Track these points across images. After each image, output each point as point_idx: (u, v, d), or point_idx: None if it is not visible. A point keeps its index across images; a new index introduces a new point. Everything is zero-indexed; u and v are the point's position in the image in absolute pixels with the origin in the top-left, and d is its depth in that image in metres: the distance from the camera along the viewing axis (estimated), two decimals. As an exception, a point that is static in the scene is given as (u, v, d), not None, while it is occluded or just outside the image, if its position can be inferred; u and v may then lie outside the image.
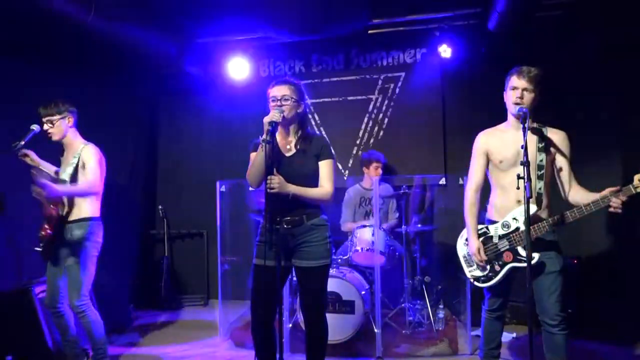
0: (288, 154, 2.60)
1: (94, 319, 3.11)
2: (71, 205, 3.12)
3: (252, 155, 2.59)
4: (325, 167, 2.59)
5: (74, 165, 3.11)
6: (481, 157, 2.72)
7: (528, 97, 2.50)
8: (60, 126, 3.15)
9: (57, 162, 3.31)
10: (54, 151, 3.48)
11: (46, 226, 3.08)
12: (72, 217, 3.12)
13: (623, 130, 4.35)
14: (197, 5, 4.55)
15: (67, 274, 3.09)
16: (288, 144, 2.62)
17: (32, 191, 2.88)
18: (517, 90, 2.50)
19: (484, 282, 2.69)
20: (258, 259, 2.55)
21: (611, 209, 2.35)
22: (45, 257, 3.13)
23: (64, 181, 3.07)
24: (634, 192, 2.29)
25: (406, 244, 4.21)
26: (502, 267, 2.61)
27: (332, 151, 2.65)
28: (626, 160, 4.29)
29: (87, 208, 3.14)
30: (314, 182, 2.57)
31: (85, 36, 3.85)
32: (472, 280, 2.74)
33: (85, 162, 3.13)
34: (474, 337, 3.63)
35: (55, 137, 3.16)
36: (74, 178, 3.12)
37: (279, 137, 2.60)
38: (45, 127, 3.12)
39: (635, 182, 2.29)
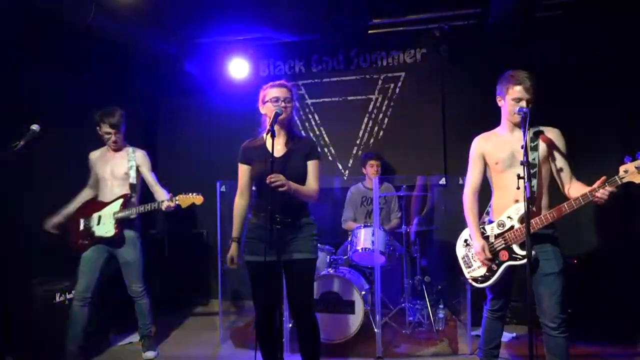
0: (278, 154, 2.64)
1: (148, 301, 3.59)
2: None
3: (240, 166, 2.72)
4: (312, 167, 2.67)
5: (134, 168, 3.46)
6: (478, 161, 2.75)
7: (530, 106, 2.52)
8: (123, 134, 3.45)
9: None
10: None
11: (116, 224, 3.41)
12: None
13: (623, 129, 4.35)
14: (197, 5, 4.55)
15: (126, 268, 3.48)
16: (278, 144, 2.67)
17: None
18: (522, 102, 2.52)
19: (481, 282, 2.70)
20: (250, 255, 2.65)
21: (595, 200, 2.34)
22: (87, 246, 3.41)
23: (134, 185, 3.48)
24: (619, 182, 2.30)
25: (406, 244, 4.21)
26: (498, 266, 2.62)
27: (319, 152, 2.75)
28: (625, 155, 4.29)
29: (136, 202, 3.54)
30: (301, 181, 2.63)
31: (86, 36, 3.85)
32: (470, 281, 2.75)
33: (141, 164, 3.51)
34: (474, 337, 3.63)
35: (118, 146, 3.45)
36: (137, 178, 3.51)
37: (269, 139, 2.63)
38: (114, 138, 3.38)
39: (621, 173, 2.30)
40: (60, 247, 3.96)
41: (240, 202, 2.76)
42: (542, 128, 2.60)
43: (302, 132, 5.24)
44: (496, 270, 2.62)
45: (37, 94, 3.85)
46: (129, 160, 3.47)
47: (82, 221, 3.46)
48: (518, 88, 2.52)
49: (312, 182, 2.66)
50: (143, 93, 5.41)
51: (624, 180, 2.29)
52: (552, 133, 2.59)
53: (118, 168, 3.47)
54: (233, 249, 2.74)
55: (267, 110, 2.65)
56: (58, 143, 3.94)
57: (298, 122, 5.28)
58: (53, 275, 3.60)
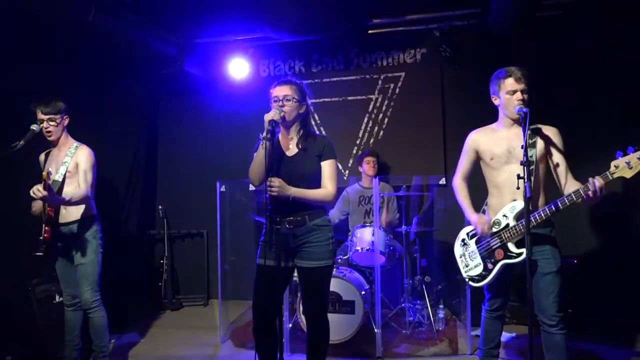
0: (289, 154, 2.60)
1: (104, 315, 3.21)
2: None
3: (255, 155, 2.58)
4: (327, 168, 2.58)
5: (67, 165, 3.11)
6: (470, 153, 2.77)
7: (526, 97, 2.53)
8: (61, 125, 3.16)
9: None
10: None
11: (46, 228, 3.07)
12: (76, 217, 3.16)
13: (622, 128, 4.35)
14: (197, 5, 4.55)
15: (78, 272, 3.15)
16: (290, 143, 2.62)
17: (32, 191, 2.85)
18: (517, 93, 2.52)
19: (478, 281, 2.71)
20: (260, 259, 2.55)
21: (587, 195, 2.32)
22: (45, 259, 3.12)
23: (56, 182, 3.06)
24: (610, 178, 2.30)
25: (406, 244, 4.21)
26: (494, 264, 2.63)
27: (335, 151, 2.64)
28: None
29: (89, 205, 3.21)
30: (315, 182, 2.56)
31: (86, 36, 3.85)
32: (467, 280, 2.76)
33: (79, 163, 3.15)
34: (474, 337, 3.63)
35: (54, 137, 3.14)
36: (64, 177, 3.12)
37: (280, 136, 2.60)
38: (46, 124, 3.08)
39: (612, 168, 2.30)
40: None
41: None
42: (539, 126, 2.60)
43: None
44: (492, 269, 2.63)
45: (36, 93, 3.85)
46: (66, 155, 3.14)
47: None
48: (509, 80, 2.54)
49: (326, 184, 2.55)
50: (143, 93, 5.41)
51: (615, 176, 2.30)
52: (549, 131, 2.59)
53: (59, 171, 3.15)
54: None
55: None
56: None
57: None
58: (53, 276, 3.59)
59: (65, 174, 3.11)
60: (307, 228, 2.53)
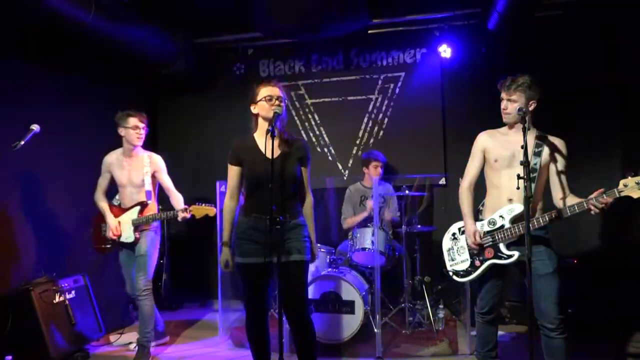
0: (273, 155, 2.60)
1: (152, 305, 3.52)
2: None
3: (230, 168, 2.66)
4: (306, 174, 2.70)
5: (149, 174, 3.56)
6: (478, 155, 2.76)
7: (511, 107, 2.56)
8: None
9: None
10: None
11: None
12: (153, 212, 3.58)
13: (623, 130, 4.35)
14: (197, 5, 4.55)
15: (137, 261, 3.50)
16: (270, 145, 2.63)
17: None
18: (502, 101, 2.61)
19: (462, 277, 2.73)
20: (242, 257, 2.59)
21: (589, 209, 2.37)
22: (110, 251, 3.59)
23: (150, 192, 3.56)
24: (617, 196, 2.32)
25: (406, 244, 4.20)
26: (482, 263, 2.63)
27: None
28: (625, 160, 4.29)
29: (155, 205, 3.65)
30: (294, 184, 2.62)
31: (85, 36, 3.85)
32: (451, 274, 2.77)
33: (157, 170, 3.61)
34: (473, 337, 3.61)
35: (141, 142, 3.54)
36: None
37: (262, 139, 2.60)
38: (142, 131, 3.51)
39: (620, 186, 2.32)
40: (60, 247, 3.97)
41: (230, 204, 2.68)
42: (548, 136, 2.61)
43: (296, 133, 5.22)
44: (479, 267, 2.65)
45: (36, 93, 3.85)
46: (144, 166, 3.55)
47: (102, 226, 3.60)
48: (501, 87, 2.63)
49: (307, 192, 2.72)
50: (143, 93, 5.40)
51: (622, 194, 2.32)
52: (557, 142, 2.60)
53: (136, 175, 3.54)
54: (226, 253, 2.66)
55: (260, 109, 2.59)
56: (58, 142, 3.94)
57: (298, 122, 5.29)
58: (53, 276, 3.59)
59: (151, 182, 3.60)
60: (287, 226, 2.59)
